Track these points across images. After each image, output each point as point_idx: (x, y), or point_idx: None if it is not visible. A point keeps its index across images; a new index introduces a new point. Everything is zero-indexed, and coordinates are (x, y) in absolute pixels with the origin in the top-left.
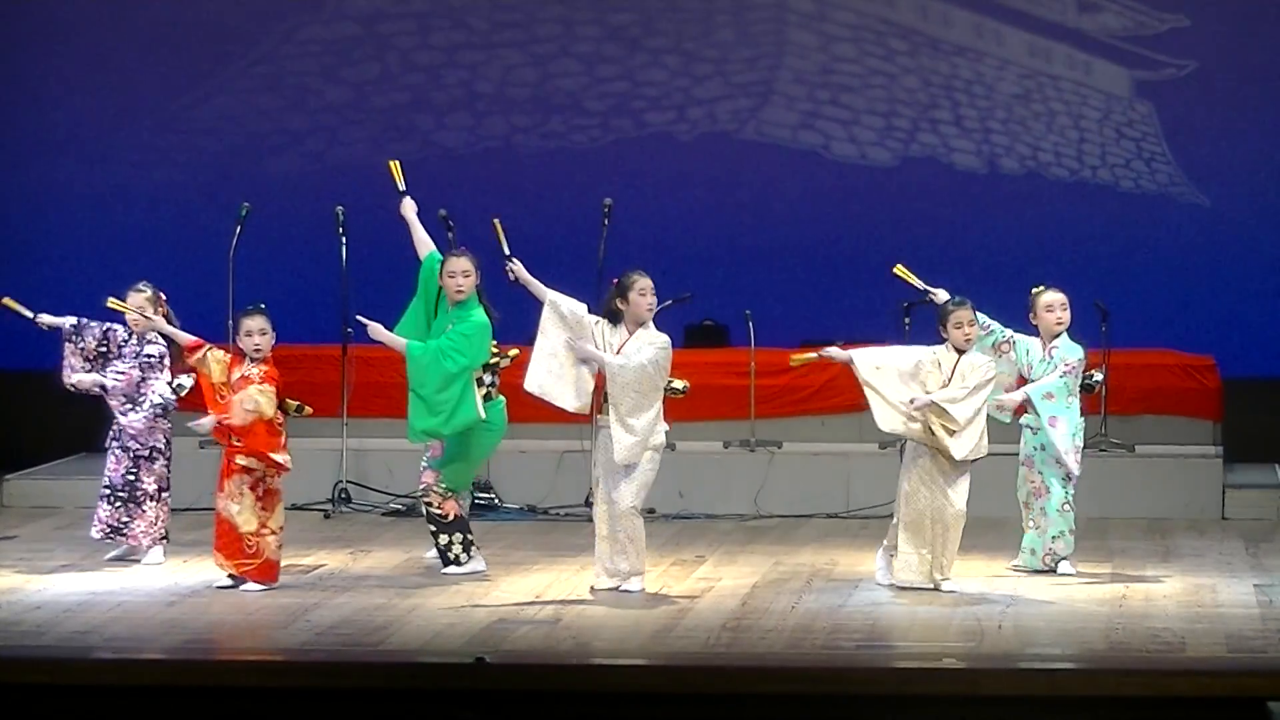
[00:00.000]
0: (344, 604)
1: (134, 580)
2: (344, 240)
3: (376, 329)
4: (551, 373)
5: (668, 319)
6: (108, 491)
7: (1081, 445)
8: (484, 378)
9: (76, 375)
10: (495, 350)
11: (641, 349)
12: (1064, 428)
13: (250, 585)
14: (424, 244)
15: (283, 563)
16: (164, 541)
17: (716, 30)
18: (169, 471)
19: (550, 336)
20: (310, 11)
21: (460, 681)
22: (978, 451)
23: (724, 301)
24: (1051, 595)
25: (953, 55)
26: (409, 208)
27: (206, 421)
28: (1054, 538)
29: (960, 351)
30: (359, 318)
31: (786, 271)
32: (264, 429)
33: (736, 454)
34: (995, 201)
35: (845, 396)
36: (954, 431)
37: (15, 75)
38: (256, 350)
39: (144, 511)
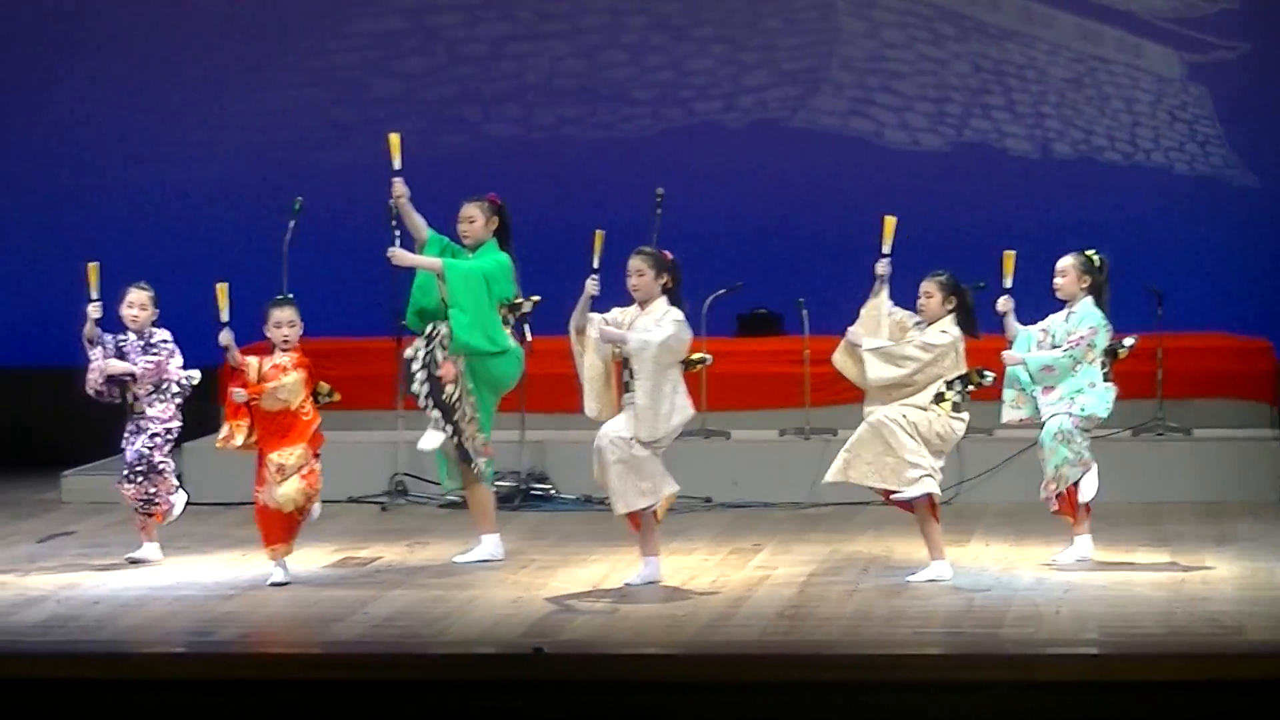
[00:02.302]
0: (401, 596)
1: (192, 574)
2: (396, 233)
3: (400, 253)
4: (597, 398)
5: (721, 307)
6: (127, 472)
7: (1077, 417)
8: (508, 317)
9: (105, 364)
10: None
11: (660, 324)
12: (1057, 395)
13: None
14: (419, 228)
15: (339, 555)
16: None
17: (764, 18)
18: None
19: (593, 363)
20: (359, 5)
21: (518, 672)
22: (891, 399)
23: (776, 290)
24: (1108, 580)
25: (1003, 40)
26: (401, 189)
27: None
28: (1056, 467)
29: (930, 322)
30: (389, 253)
31: (838, 259)
32: (300, 421)
33: (791, 442)
34: (1048, 186)
35: None
36: (868, 386)
37: (67, 74)
38: (285, 341)
39: (165, 478)
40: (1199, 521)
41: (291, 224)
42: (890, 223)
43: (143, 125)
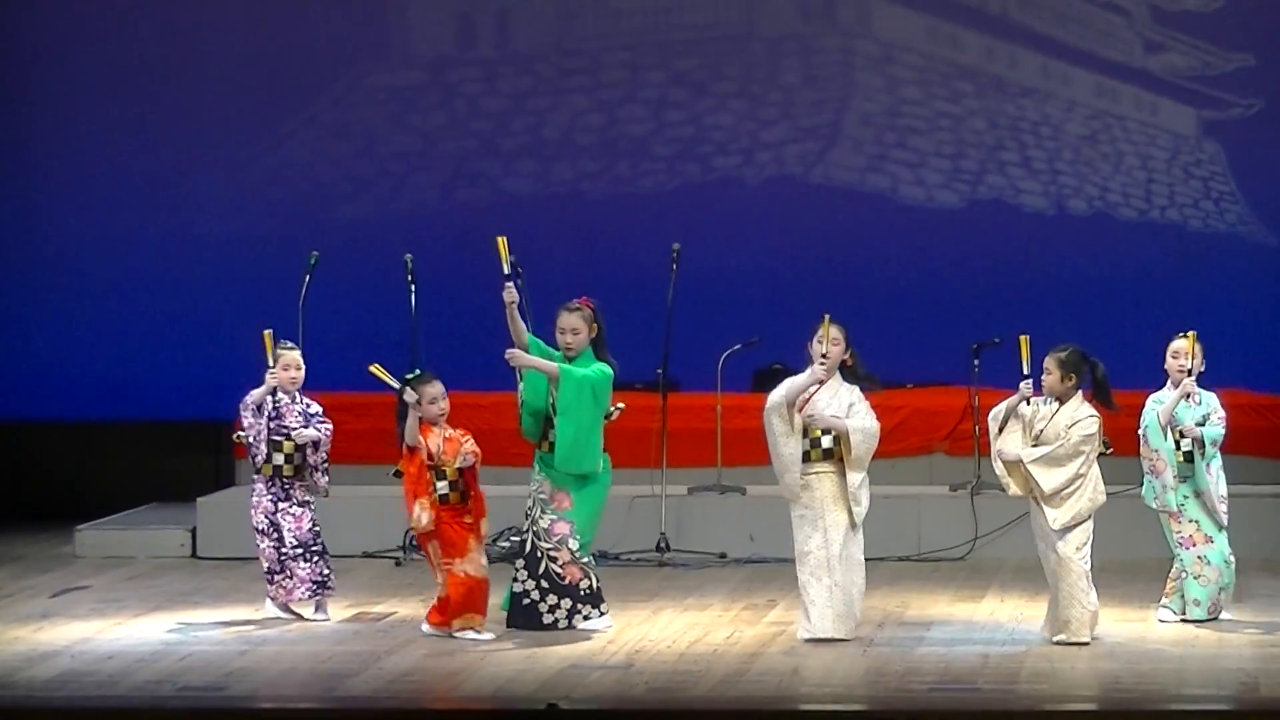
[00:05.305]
0: (416, 651)
1: (205, 630)
2: (413, 287)
3: (517, 354)
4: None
5: (737, 363)
6: (300, 551)
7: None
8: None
9: (300, 433)
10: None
11: (856, 407)
12: (1215, 473)
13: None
14: (521, 333)
15: (354, 610)
16: None
17: (782, 74)
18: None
19: (795, 443)
20: (378, 59)
21: None
22: (1083, 514)
23: (793, 345)
24: (1123, 636)
25: (1019, 97)
26: (512, 295)
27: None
28: (1221, 589)
29: (1060, 401)
30: (507, 354)
31: (855, 314)
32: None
33: None
34: (1063, 242)
35: (916, 439)
36: (1045, 498)
37: (86, 123)
38: (442, 414)
39: (327, 557)
40: None
41: (307, 278)
42: (1025, 342)
43: (161, 176)
